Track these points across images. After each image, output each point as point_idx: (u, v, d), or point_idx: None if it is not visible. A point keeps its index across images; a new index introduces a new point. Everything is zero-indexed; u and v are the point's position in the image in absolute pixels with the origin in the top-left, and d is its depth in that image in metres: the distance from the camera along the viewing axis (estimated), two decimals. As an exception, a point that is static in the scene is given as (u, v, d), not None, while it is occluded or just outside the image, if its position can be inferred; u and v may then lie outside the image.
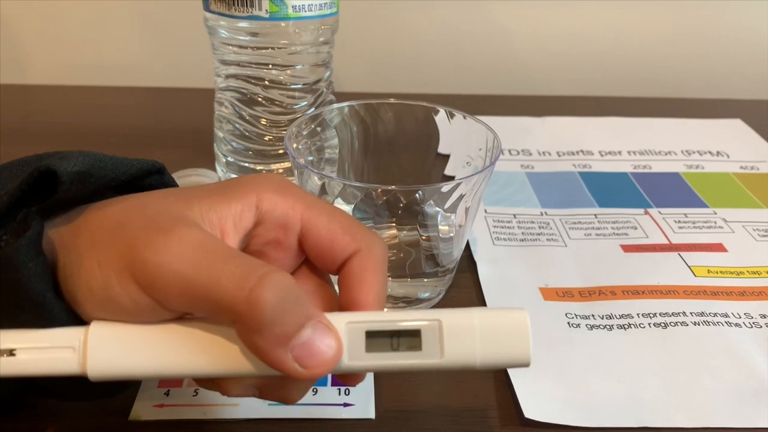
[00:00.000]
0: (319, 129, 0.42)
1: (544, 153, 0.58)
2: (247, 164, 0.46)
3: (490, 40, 0.72)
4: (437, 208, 0.38)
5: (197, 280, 0.22)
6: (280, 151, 0.45)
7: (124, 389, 0.29)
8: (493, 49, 0.72)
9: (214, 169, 0.50)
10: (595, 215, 0.49)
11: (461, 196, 0.37)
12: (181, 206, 0.25)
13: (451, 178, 0.43)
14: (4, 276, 0.23)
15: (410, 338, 0.24)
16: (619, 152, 0.58)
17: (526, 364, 0.25)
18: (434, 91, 0.72)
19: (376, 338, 0.24)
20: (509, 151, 0.58)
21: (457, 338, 0.24)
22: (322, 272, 0.28)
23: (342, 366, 0.24)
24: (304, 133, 0.41)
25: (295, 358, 0.23)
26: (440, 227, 0.39)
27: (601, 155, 0.58)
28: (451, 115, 0.42)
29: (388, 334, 0.24)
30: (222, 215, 0.25)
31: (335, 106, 0.42)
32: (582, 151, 0.58)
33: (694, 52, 0.73)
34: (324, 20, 0.43)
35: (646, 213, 0.49)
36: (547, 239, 0.46)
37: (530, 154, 0.58)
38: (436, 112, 0.43)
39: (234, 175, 0.47)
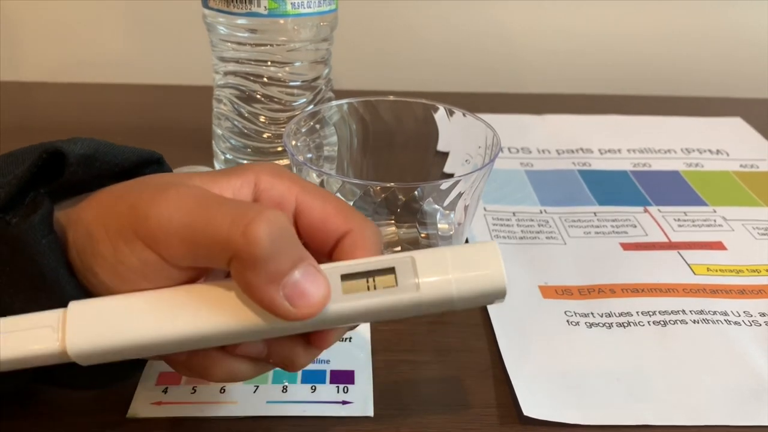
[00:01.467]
0: (318, 126, 0.42)
1: (543, 151, 0.58)
2: (245, 161, 0.46)
3: (490, 38, 0.72)
4: (436, 206, 0.38)
5: (195, 224, 0.23)
6: (279, 149, 0.45)
7: (124, 376, 0.29)
8: (493, 46, 0.72)
9: (213, 167, 0.50)
10: (595, 213, 0.49)
11: (460, 194, 0.37)
12: (182, 178, 0.26)
13: (451, 175, 0.43)
14: (19, 256, 0.24)
15: (385, 276, 0.25)
16: (619, 150, 0.58)
17: (502, 292, 0.25)
18: (434, 89, 0.72)
19: (351, 280, 0.25)
20: (509, 149, 0.58)
21: (432, 271, 0.25)
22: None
23: (327, 312, 0.24)
24: (303, 130, 0.41)
25: (286, 297, 0.23)
26: (439, 225, 0.39)
27: (601, 153, 0.58)
28: (450, 113, 0.42)
29: (363, 275, 0.25)
30: (222, 186, 0.26)
31: (334, 103, 0.42)
32: (582, 149, 0.58)
33: (693, 51, 0.73)
34: (323, 17, 0.43)
35: (646, 211, 0.49)
36: (547, 237, 0.46)
37: (530, 152, 0.58)
38: (436, 109, 0.43)
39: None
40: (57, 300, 0.24)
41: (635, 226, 0.47)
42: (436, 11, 0.70)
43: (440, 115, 0.43)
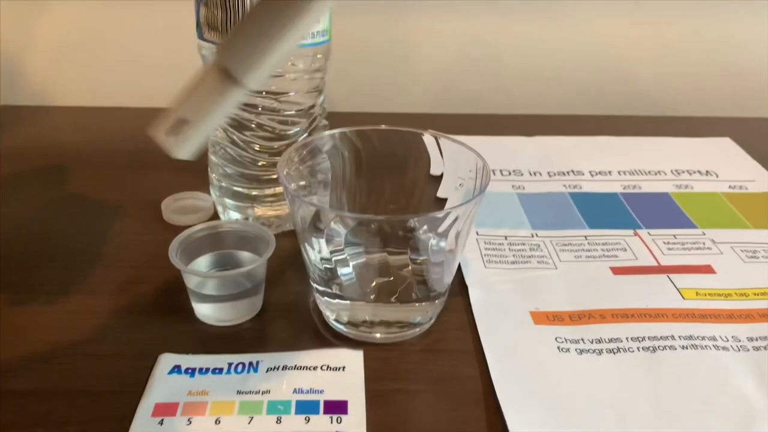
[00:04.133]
0: (311, 156, 0.42)
1: (535, 173, 0.58)
2: (240, 189, 0.46)
3: (481, 60, 0.73)
4: (429, 234, 0.39)
5: None
6: (274, 176, 0.46)
7: None
8: (484, 67, 0.73)
9: (209, 193, 0.50)
10: (586, 237, 0.49)
11: (453, 222, 0.37)
12: None
13: (444, 200, 0.44)
14: None
15: None
16: (609, 172, 0.59)
17: None
18: (426, 110, 0.73)
19: None
20: (500, 171, 0.59)
21: None
22: None
23: None
24: (296, 159, 0.42)
25: None
26: (431, 252, 0.39)
27: (591, 175, 0.58)
28: (439, 140, 0.43)
29: None
30: None
31: (327, 133, 0.43)
32: (572, 171, 0.59)
33: (682, 71, 0.74)
34: (317, 48, 0.43)
35: (636, 234, 0.50)
36: (538, 262, 0.46)
37: (521, 174, 0.58)
38: (426, 136, 0.43)
39: (229, 200, 0.47)
40: None
41: (625, 250, 0.48)
42: (427, 34, 0.71)
43: (429, 142, 0.44)
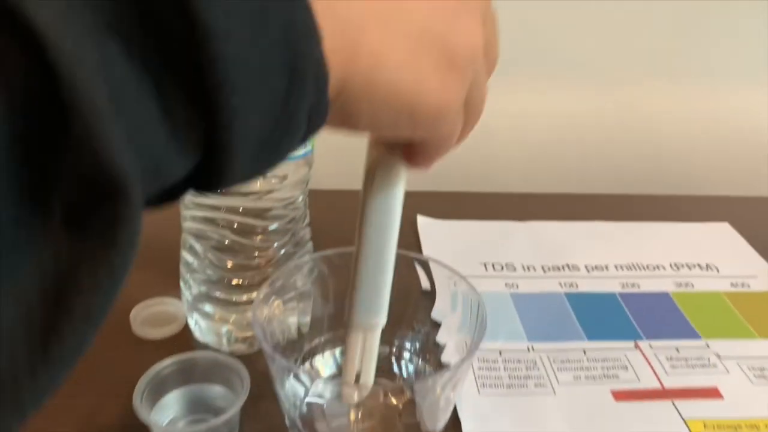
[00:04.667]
0: (290, 283, 0.39)
1: (528, 268, 0.56)
2: (210, 309, 0.43)
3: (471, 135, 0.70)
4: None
5: None
6: (244, 297, 0.42)
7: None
8: (474, 142, 0.70)
9: (179, 297, 0.46)
10: (584, 351, 0.47)
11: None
12: None
13: (438, 324, 0.41)
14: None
15: None
16: (606, 267, 0.56)
17: None
18: (415, 188, 0.69)
19: None
20: (492, 265, 0.56)
21: None
22: None
23: None
24: (278, 285, 0.38)
25: None
26: (427, 397, 0.36)
27: (588, 270, 0.56)
28: (428, 266, 0.40)
29: None
30: None
31: (307, 257, 0.39)
32: (568, 265, 0.56)
33: (678, 147, 0.72)
34: (298, 162, 0.40)
35: (637, 347, 0.47)
36: (535, 385, 0.43)
37: (514, 269, 0.55)
38: (417, 260, 0.41)
39: (209, 309, 0.43)
40: None
41: (626, 368, 0.45)
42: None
43: (421, 263, 0.41)
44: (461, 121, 0.25)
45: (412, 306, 0.42)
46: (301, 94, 0.18)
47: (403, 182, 0.28)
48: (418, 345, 0.42)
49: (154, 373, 0.36)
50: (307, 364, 0.40)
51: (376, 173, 0.28)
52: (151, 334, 0.45)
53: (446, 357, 0.40)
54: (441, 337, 0.41)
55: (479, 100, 0.25)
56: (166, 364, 0.37)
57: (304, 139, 0.20)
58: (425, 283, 0.42)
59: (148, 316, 0.47)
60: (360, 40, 0.20)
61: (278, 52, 0.17)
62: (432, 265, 0.40)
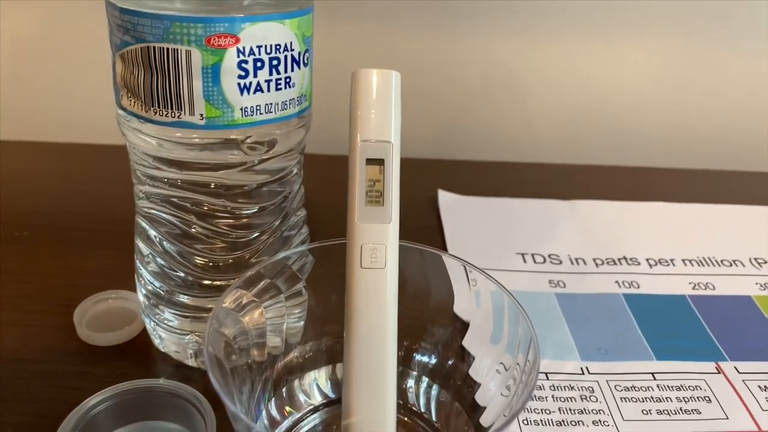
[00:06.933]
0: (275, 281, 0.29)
1: (576, 261, 0.45)
2: (174, 315, 0.33)
3: (507, 98, 0.58)
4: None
5: None
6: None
7: None
8: (509, 103, 0.59)
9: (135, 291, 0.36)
10: (653, 375, 0.36)
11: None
12: None
13: (469, 355, 0.31)
14: None
15: None
16: (672, 261, 0.46)
17: None
18: (443, 156, 0.58)
19: None
20: (533, 256, 0.45)
21: None
22: None
23: None
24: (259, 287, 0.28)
25: None
26: None
27: (650, 266, 0.45)
28: (468, 270, 0.30)
29: None
30: None
31: (302, 248, 0.29)
32: (625, 258, 0.46)
33: (756, 114, 0.61)
34: (290, 122, 0.30)
35: (720, 371, 0.37)
36: (594, 422, 0.33)
37: (560, 261, 0.45)
38: (447, 260, 0.30)
39: (169, 315, 0.33)
40: None
41: (709, 401, 0.35)
42: (439, 55, 0.57)
43: (455, 268, 0.30)
44: None
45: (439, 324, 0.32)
46: None
47: None
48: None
49: (82, 412, 0.26)
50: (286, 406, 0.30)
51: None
52: (100, 340, 0.35)
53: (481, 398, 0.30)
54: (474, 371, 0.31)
55: None
56: (99, 399, 0.27)
57: None
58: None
59: (98, 315, 0.37)
60: None
61: None
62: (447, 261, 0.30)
